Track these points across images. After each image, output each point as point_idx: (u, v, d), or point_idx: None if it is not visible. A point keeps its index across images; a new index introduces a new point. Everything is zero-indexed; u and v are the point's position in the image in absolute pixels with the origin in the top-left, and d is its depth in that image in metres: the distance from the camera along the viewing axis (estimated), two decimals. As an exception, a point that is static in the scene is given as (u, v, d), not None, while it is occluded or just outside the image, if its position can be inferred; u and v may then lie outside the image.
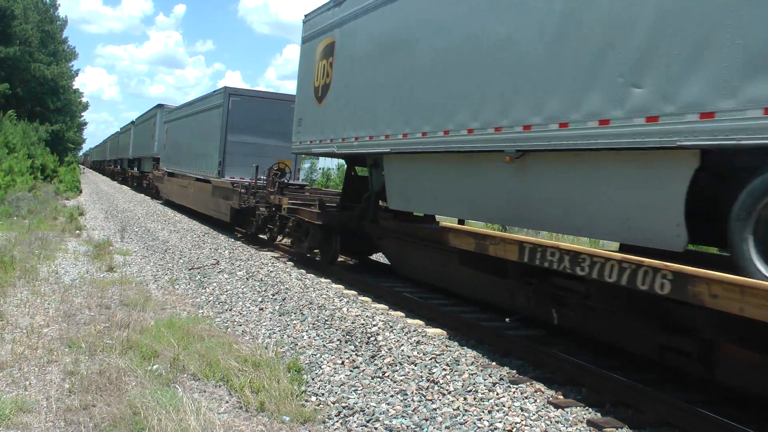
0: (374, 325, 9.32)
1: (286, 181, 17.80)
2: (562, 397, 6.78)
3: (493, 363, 7.84)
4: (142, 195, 40.54)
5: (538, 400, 6.57)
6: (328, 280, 13.02)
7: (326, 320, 9.73)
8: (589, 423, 6.06)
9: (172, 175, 30.54)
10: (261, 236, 18.71)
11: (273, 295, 11.42)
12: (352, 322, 9.50)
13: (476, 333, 9.02)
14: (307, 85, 14.73)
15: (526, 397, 6.63)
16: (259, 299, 11.23)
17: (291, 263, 15.21)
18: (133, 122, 52.58)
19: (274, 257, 16.26)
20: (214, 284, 12.52)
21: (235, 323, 9.93)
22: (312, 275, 13.47)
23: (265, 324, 9.82)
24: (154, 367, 7.10)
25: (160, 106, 38.56)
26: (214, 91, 23.90)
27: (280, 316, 10.18)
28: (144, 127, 44.87)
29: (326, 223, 13.57)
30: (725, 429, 5.68)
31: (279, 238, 17.59)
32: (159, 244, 17.93)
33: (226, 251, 16.64)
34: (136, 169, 48.69)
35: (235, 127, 21.82)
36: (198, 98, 27.08)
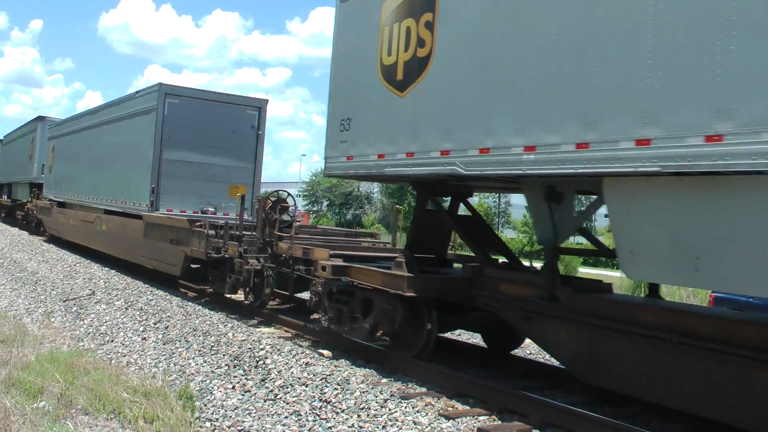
0: (261, 349, 9.47)
1: (290, 217, 12.65)
2: (451, 409, 7.21)
3: (383, 380, 8.20)
4: (17, 229, 32.87)
5: (429, 413, 6.96)
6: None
7: (212, 346, 9.78)
8: (480, 431, 6.51)
9: (63, 206, 24.37)
10: (231, 297, 13.56)
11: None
12: (239, 347, 9.60)
13: (363, 353, 9.36)
14: (364, 63, 9.58)
15: (417, 411, 7.01)
16: (141, 329, 11.09)
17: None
18: None
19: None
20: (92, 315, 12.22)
21: (119, 354, 9.80)
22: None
23: (149, 353, 9.74)
24: (41, 404, 6.97)
25: (40, 118, 31.68)
26: (141, 91, 17.88)
27: (164, 344, 10.12)
28: (16, 146, 37.41)
29: (421, 292, 8.44)
30: (603, 425, 6.29)
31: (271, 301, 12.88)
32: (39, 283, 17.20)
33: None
34: (5, 197, 40.60)
35: (173, 141, 16.19)
36: (111, 102, 20.63)
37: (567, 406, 6.74)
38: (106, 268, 18.47)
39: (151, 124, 16.23)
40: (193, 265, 14.32)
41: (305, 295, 11.39)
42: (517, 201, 69.03)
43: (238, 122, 16.75)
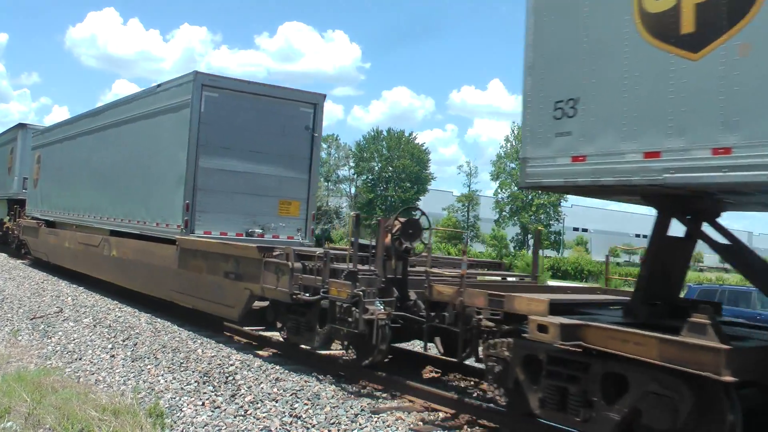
0: (231, 365, 9.49)
1: (424, 245, 9.86)
2: (421, 423, 7.29)
3: (352, 395, 8.26)
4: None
5: (399, 428, 7.05)
6: None
7: (181, 362, 9.77)
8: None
9: (53, 226, 21.18)
10: (320, 352, 10.42)
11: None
12: (208, 363, 9.60)
13: (333, 369, 9.41)
14: (605, 11, 6.17)
15: (387, 426, 7.10)
16: (109, 346, 11.04)
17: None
18: None
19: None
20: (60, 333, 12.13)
21: (87, 372, 9.74)
22: None
23: (118, 371, 9.70)
24: (8, 424, 6.92)
25: (21, 126, 28.02)
26: (168, 83, 14.24)
27: (132, 361, 10.08)
28: None
29: (746, 373, 5.34)
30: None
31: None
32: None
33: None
34: None
35: (211, 145, 12.88)
36: (120, 100, 17.09)
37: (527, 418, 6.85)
38: (74, 285, 18.29)
39: (183, 124, 12.83)
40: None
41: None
42: (485, 215, 69.62)
43: (290, 122, 13.64)
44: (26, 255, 25.08)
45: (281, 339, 10.83)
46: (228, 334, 12.27)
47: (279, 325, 10.57)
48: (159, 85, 14.45)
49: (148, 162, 14.46)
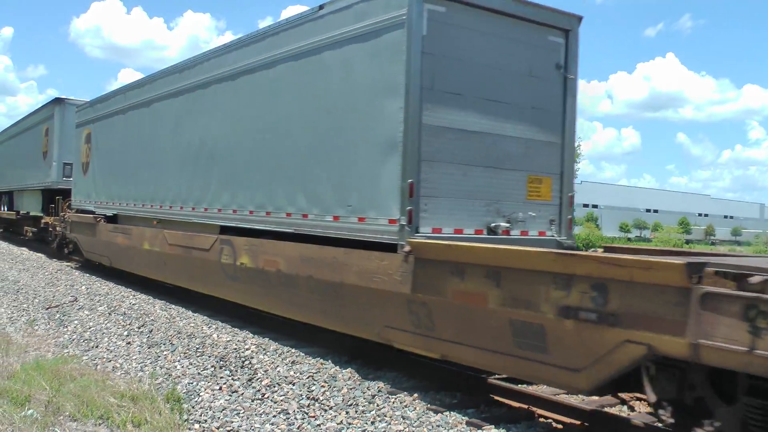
0: (247, 349, 9.52)
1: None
2: (439, 403, 7.30)
3: (369, 376, 8.29)
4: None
5: (417, 408, 7.07)
6: None
7: (197, 348, 9.81)
8: (468, 424, 6.61)
9: (113, 221, 16.85)
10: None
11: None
12: (224, 348, 9.64)
13: (348, 350, 9.42)
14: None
15: (405, 406, 7.11)
16: (125, 333, 11.10)
17: None
18: None
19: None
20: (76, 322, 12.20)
21: (104, 359, 9.80)
22: None
23: (135, 357, 9.75)
24: (29, 412, 6.98)
25: (59, 100, 23.39)
26: None
27: (149, 348, 10.13)
28: (18, 144, 29.09)
29: None
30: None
31: None
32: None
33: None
34: (4, 208, 32.74)
35: (439, 89, 8.26)
36: (243, 39, 11.63)
37: (552, 397, 6.84)
38: (87, 275, 18.40)
39: (391, 56, 8.21)
40: None
41: None
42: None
43: (536, 57, 9.07)
44: (70, 256, 21.70)
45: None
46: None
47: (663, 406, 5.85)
48: (322, 6, 9.46)
49: (311, 124, 9.56)
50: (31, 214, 27.15)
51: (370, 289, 8.05)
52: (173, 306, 13.34)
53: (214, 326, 11.36)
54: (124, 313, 12.56)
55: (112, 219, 16.91)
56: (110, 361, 9.69)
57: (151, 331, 11.08)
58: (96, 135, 18.20)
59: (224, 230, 11.58)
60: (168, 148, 13.80)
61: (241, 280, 10.94)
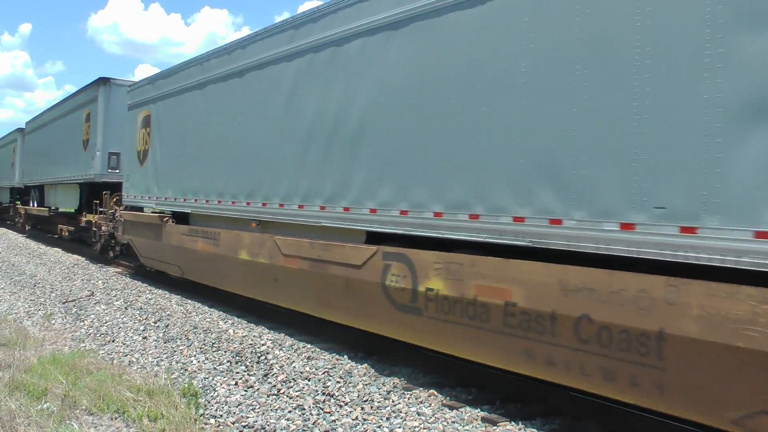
0: (263, 345, 9.50)
1: None
2: (455, 398, 7.25)
3: (385, 372, 8.24)
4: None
5: (432, 404, 7.01)
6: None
7: (213, 343, 9.80)
8: (484, 420, 6.56)
9: (183, 221, 13.80)
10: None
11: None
12: (240, 343, 9.63)
13: (363, 346, 9.38)
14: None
15: (420, 402, 7.06)
16: (141, 328, 11.11)
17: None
18: (20, 129, 32.75)
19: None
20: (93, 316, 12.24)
21: (120, 354, 9.81)
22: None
23: (151, 352, 9.76)
24: (46, 405, 6.98)
25: (104, 80, 20.23)
26: None
27: (165, 343, 10.13)
28: (51, 132, 26.13)
29: None
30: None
31: None
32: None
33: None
34: (34, 203, 29.12)
35: None
36: None
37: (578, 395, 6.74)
38: (105, 269, 18.47)
39: None
40: None
41: None
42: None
43: None
44: (116, 260, 19.36)
45: None
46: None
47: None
48: None
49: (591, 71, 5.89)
50: (63, 210, 24.90)
51: (731, 349, 4.89)
52: (189, 301, 13.36)
53: (230, 321, 11.36)
54: (141, 308, 12.59)
55: (181, 218, 13.92)
56: (126, 355, 9.70)
57: (167, 326, 11.09)
58: (158, 117, 15.02)
59: (374, 238, 8.44)
60: (276, 127, 10.51)
61: (426, 314, 7.48)
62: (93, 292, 14.40)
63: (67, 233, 23.76)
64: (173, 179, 14.12)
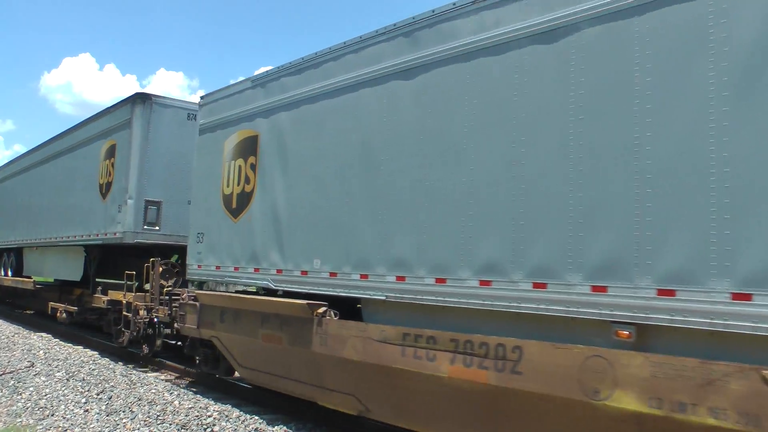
0: (209, 416, 9.27)
1: None
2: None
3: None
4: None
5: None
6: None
7: (158, 415, 9.53)
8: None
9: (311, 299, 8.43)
10: None
11: (98, 395, 10.82)
12: (186, 415, 9.38)
13: (311, 416, 9.21)
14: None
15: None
16: (83, 400, 10.75)
17: None
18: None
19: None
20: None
21: (60, 428, 9.46)
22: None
23: (92, 426, 9.43)
24: (-23, 486, 6.66)
25: (144, 97, 13.96)
26: None
27: (107, 416, 9.81)
28: (32, 180, 20.25)
29: None
30: None
31: None
32: None
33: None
34: (7, 272, 22.35)
35: None
36: None
37: None
38: (48, 337, 17.91)
39: None
40: None
41: None
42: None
43: None
44: (158, 358, 14.28)
45: None
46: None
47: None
48: None
49: None
50: (54, 281, 18.94)
51: None
52: (134, 371, 13.01)
53: (176, 393, 11.07)
54: (83, 379, 12.20)
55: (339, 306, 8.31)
56: (66, 430, 9.35)
57: (110, 398, 10.75)
58: (281, 137, 9.61)
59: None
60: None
61: None
62: (33, 363, 13.91)
63: (64, 315, 17.04)
64: (326, 240, 8.55)
